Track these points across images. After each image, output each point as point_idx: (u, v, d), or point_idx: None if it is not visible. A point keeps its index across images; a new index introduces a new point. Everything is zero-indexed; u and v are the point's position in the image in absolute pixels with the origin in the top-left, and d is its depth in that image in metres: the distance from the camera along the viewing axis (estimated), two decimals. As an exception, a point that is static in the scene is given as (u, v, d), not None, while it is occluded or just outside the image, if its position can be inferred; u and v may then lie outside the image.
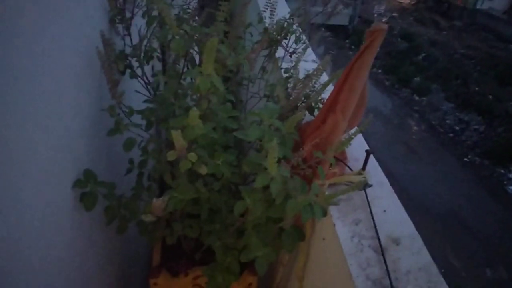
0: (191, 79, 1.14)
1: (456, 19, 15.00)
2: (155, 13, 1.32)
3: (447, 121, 11.78)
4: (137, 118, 1.25)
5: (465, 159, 10.73)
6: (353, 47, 13.89)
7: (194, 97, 1.19)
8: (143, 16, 1.22)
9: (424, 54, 13.31)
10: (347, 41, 14.46)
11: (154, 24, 1.30)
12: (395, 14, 15.50)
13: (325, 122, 1.04)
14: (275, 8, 1.52)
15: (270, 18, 1.54)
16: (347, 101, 0.99)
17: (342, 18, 8.67)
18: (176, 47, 0.93)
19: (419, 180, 9.89)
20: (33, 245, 0.86)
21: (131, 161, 1.35)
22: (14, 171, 0.76)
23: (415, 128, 11.81)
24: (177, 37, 0.94)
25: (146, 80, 1.48)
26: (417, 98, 12.44)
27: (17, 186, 0.78)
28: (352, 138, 0.95)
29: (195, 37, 1.01)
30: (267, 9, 1.54)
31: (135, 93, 1.44)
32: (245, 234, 1.08)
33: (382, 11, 13.77)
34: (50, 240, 0.96)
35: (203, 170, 1.06)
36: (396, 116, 12.21)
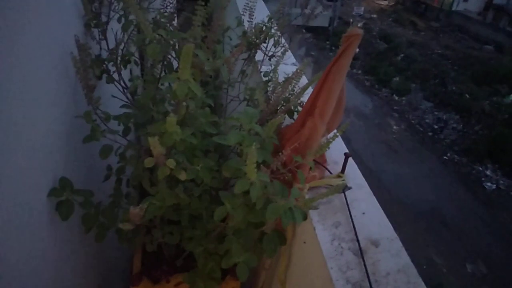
0: (169, 84, 1.13)
1: (433, 20, 15.32)
2: (132, 17, 1.30)
3: (426, 120, 12.02)
4: (114, 124, 1.23)
5: (445, 157, 10.97)
6: (333, 48, 14.03)
7: (172, 102, 1.18)
8: (118, 21, 1.20)
9: (402, 55, 13.56)
10: (327, 42, 14.60)
11: (131, 28, 1.28)
12: (374, 16, 15.74)
13: (304, 126, 1.04)
14: (253, 12, 1.52)
15: (249, 21, 1.54)
16: (325, 105, 1.00)
17: (322, 19, 8.75)
18: (152, 53, 0.92)
19: (399, 179, 10.06)
20: (7, 255, 0.84)
21: (109, 168, 1.33)
22: None
23: (395, 127, 12.01)
24: (153, 42, 0.93)
25: (123, 85, 1.46)
26: (396, 97, 12.66)
27: None
28: (331, 142, 0.95)
29: (172, 42, 1.00)
30: (245, 12, 1.54)
31: (112, 98, 1.41)
32: (226, 240, 1.08)
33: (361, 13, 13.96)
34: (25, 249, 0.93)
35: (183, 176, 1.05)
36: (376, 115, 12.39)
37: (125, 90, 1.45)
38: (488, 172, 10.52)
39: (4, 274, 0.83)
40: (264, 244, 1.08)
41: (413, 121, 12.17)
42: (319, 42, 14.30)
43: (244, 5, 1.55)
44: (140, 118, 1.15)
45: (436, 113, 12.28)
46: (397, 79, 13.03)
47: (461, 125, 11.78)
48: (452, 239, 8.69)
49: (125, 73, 1.48)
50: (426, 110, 12.42)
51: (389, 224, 1.03)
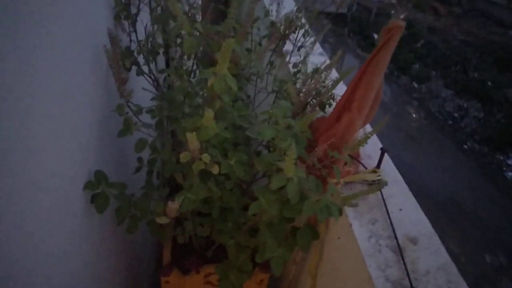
0: (201, 78, 1.12)
1: (455, 5, 14.88)
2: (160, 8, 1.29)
3: (447, 108, 11.76)
4: (145, 117, 1.23)
5: (465, 146, 10.75)
6: (350, 34, 13.78)
7: (204, 95, 1.17)
8: (151, 13, 1.19)
9: (423, 41, 13.23)
10: (345, 28, 14.34)
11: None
12: (394, 1, 15.36)
13: (340, 121, 1.02)
14: (282, 1, 1.50)
15: (277, 12, 1.52)
16: (363, 99, 0.98)
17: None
18: (189, 47, 0.91)
19: (418, 167, 9.92)
20: (44, 249, 0.85)
21: (140, 160, 1.34)
22: (20, 175, 0.74)
23: (414, 115, 11.81)
24: (190, 36, 0.92)
25: (153, 77, 1.45)
26: (416, 85, 12.41)
27: (24, 190, 0.76)
28: (369, 137, 0.93)
29: (207, 36, 0.99)
30: (273, 2, 1.51)
31: (141, 91, 1.41)
32: (259, 234, 1.07)
33: (381, -2, 13.64)
34: (61, 243, 0.95)
35: (216, 170, 1.05)
36: (395, 103, 12.19)
37: (155, 83, 1.45)
38: (509, 162, 10.28)
39: (41, 263, 0.85)
40: (297, 239, 1.08)
41: (433, 109, 11.93)
42: (337, 28, 14.07)
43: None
44: (172, 112, 1.15)
45: (456, 101, 12.01)
46: (416, 66, 12.74)
47: (483, 114, 11.50)
48: (472, 229, 8.55)
49: (152, 65, 1.47)
50: (447, 98, 12.15)
51: (427, 221, 1.01)
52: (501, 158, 10.36)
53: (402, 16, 0.87)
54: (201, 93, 1.12)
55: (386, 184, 1.05)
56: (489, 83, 11.75)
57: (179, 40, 1.29)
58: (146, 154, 1.29)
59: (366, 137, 0.95)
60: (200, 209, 1.22)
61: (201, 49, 1.16)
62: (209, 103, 1.02)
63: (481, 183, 9.93)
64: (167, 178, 1.33)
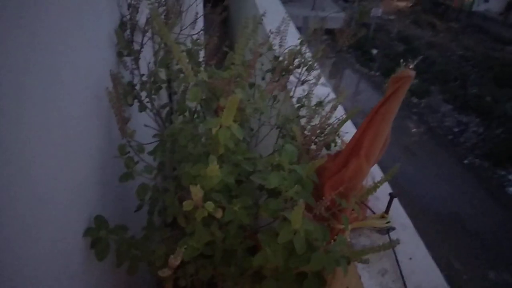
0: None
1: (453, 21, 15.03)
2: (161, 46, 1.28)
3: (446, 123, 11.78)
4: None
5: (465, 161, 10.73)
6: (350, 50, 13.88)
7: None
8: (155, 55, 1.17)
9: (421, 57, 13.31)
10: (344, 44, 14.45)
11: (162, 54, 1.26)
12: (392, 17, 15.52)
13: (347, 166, 1.00)
14: (285, 36, 1.48)
15: (280, 45, 1.50)
16: (371, 146, 0.95)
17: (338, 22, 8.65)
18: (194, 97, 0.89)
19: (419, 182, 9.88)
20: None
21: (141, 199, 1.31)
22: (21, 222, 0.72)
23: (414, 130, 11.81)
24: (194, 85, 0.90)
25: (155, 112, 1.43)
26: (415, 100, 12.45)
27: (26, 236, 0.74)
28: (378, 186, 0.91)
29: (211, 84, 0.97)
30: (276, 36, 1.50)
31: (144, 127, 1.39)
32: (264, 283, 1.04)
33: (379, 14, 13.79)
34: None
35: (219, 215, 1.02)
36: (395, 118, 12.20)
37: (157, 118, 1.43)
38: (511, 177, 10.25)
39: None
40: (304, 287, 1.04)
41: (432, 124, 11.94)
42: (336, 44, 14.13)
43: (276, 29, 1.51)
44: (176, 155, 1.13)
45: (456, 116, 12.03)
46: (416, 81, 12.80)
47: (482, 129, 11.51)
48: (474, 245, 8.48)
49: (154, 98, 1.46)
50: (446, 113, 12.18)
51: (438, 271, 0.98)
52: (502, 173, 10.33)
53: (411, 66, 0.85)
54: (203, 139, 1.09)
55: (391, 228, 1.03)
56: (488, 98, 11.80)
57: (181, 75, 1.27)
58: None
59: (376, 186, 0.92)
60: (203, 251, 1.19)
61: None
62: (213, 149, 0.99)
63: (483, 198, 9.87)
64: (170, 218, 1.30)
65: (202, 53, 1.36)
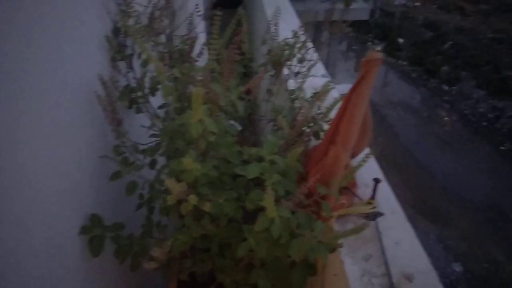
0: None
1: (482, 2, 14.41)
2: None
3: (480, 110, 11.31)
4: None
5: (502, 148, 10.28)
6: (376, 41, 13.60)
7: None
8: (138, 56, 1.22)
9: (450, 42, 12.84)
10: (369, 35, 14.18)
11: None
12: (417, 4, 15.07)
13: (327, 155, 1.00)
14: (278, 28, 1.49)
15: (274, 39, 1.51)
16: (347, 132, 0.95)
17: (362, 13, 8.49)
18: (167, 93, 0.92)
19: (455, 172, 9.54)
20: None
21: (141, 196, 1.35)
22: (17, 222, 0.77)
23: (446, 119, 11.43)
24: (167, 82, 0.93)
25: (152, 112, 1.48)
26: (446, 87, 12.03)
27: (22, 236, 0.79)
28: (355, 172, 0.91)
29: (188, 77, 0.99)
30: (269, 31, 1.51)
31: (142, 128, 1.44)
32: (253, 273, 1.06)
33: (404, 1, 13.42)
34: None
35: (207, 207, 1.05)
36: (426, 107, 11.85)
37: (154, 118, 1.47)
38: (553, 162, 9.72)
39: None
40: (293, 276, 1.05)
41: (465, 111, 11.50)
42: (360, 35, 13.92)
43: (269, 20, 1.52)
44: (166, 151, 1.16)
45: (490, 101, 11.53)
46: (445, 68, 12.37)
47: (519, 113, 10.95)
48: (516, 235, 8.10)
49: (153, 100, 1.50)
50: (479, 99, 11.70)
51: (425, 255, 0.96)
52: (543, 158, 9.82)
53: (378, 49, 0.84)
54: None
55: (379, 214, 1.02)
56: (525, 80, 11.24)
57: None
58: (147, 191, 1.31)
59: (351, 171, 0.92)
60: (199, 245, 1.22)
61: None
62: (196, 144, 1.02)
63: (523, 185, 9.40)
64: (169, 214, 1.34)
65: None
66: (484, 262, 7.19)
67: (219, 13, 0.95)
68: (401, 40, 13.13)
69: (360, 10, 8.55)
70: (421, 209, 7.85)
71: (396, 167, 9.09)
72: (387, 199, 1.12)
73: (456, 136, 10.73)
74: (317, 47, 1.86)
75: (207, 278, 1.40)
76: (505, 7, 13.98)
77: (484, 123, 10.92)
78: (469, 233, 7.74)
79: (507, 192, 9.03)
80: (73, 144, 1.06)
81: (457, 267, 6.75)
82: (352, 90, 0.91)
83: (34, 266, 0.85)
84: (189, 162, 0.89)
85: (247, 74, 1.53)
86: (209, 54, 0.99)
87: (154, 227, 1.31)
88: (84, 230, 1.08)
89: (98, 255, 1.08)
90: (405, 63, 12.96)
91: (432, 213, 7.86)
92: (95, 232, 1.09)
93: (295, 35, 1.51)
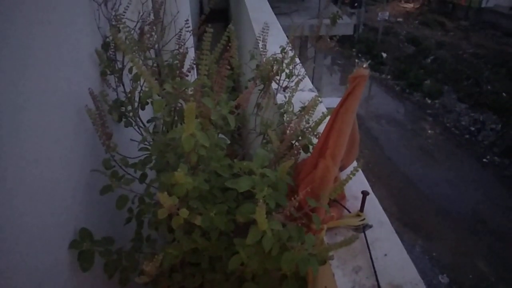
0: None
1: (462, 19, 14.86)
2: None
3: (462, 122, 11.57)
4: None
5: (484, 160, 10.49)
6: (359, 55, 13.86)
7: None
8: (129, 71, 1.23)
9: (432, 57, 13.18)
10: (353, 50, 14.45)
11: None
12: (400, 19, 15.46)
13: (316, 168, 1.02)
14: (266, 43, 1.52)
15: (263, 54, 1.54)
16: (336, 146, 0.97)
17: (346, 28, 8.65)
18: (158, 108, 0.93)
19: (438, 184, 9.68)
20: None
21: (130, 210, 1.35)
22: (5, 236, 0.77)
23: (429, 131, 11.64)
24: (159, 96, 0.94)
25: (142, 126, 1.48)
26: (429, 101, 12.29)
27: (12, 253, 0.78)
28: (344, 184, 0.92)
29: (179, 92, 1.01)
30: (257, 46, 1.54)
31: (131, 141, 1.44)
32: (244, 286, 1.06)
33: (386, 17, 13.75)
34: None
35: (198, 221, 1.05)
36: (409, 120, 12.06)
37: (143, 132, 1.47)
38: (534, 173, 9.94)
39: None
40: (284, 289, 1.06)
41: (448, 124, 11.73)
42: (345, 50, 14.17)
43: (257, 36, 1.55)
44: (156, 165, 1.17)
45: (472, 114, 11.79)
46: (428, 82, 12.64)
47: (500, 126, 11.23)
48: (499, 246, 8.22)
49: (143, 113, 1.51)
50: (461, 112, 11.95)
51: (413, 267, 0.98)
52: (524, 169, 10.04)
53: (365, 66, 0.87)
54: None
55: (367, 226, 1.03)
56: (504, 94, 11.55)
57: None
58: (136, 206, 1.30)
59: (342, 184, 0.94)
60: (189, 259, 1.21)
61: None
62: (187, 157, 1.03)
63: (504, 197, 9.59)
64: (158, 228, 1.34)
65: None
66: (470, 273, 7.27)
67: (210, 29, 0.97)
68: (384, 55, 13.41)
69: (344, 25, 8.72)
70: (405, 221, 7.93)
71: (381, 179, 9.18)
72: (375, 211, 1.14)
73: (440, 149, 10.92)
74: (303, 61, 1.90)
75: (197, 292, 1.39)
76: (483, 24, 14.43)
77: (467, 136, 11.15)
78: (454, 244, 7.84)
79: (490, 203, 9.19)
80: (63, 158, 1.06)
81: (443, 279, 6.81)
82: (340, 105, 0.94)
83: (24, 280, 0.84)
84: (181, 175, 0.90)
85: (235, 88, 1.55)
86: (199, 69, 1.01)
87: (144, 241, 1.30)
88: (73, 244, 1.07)
89: (88, 269, 1.07)
90: (388, 77, 13.21)
91: (417, 225, 7.95)
92: (84, 247, 1.08)
93: (283, 50, 1.54)
